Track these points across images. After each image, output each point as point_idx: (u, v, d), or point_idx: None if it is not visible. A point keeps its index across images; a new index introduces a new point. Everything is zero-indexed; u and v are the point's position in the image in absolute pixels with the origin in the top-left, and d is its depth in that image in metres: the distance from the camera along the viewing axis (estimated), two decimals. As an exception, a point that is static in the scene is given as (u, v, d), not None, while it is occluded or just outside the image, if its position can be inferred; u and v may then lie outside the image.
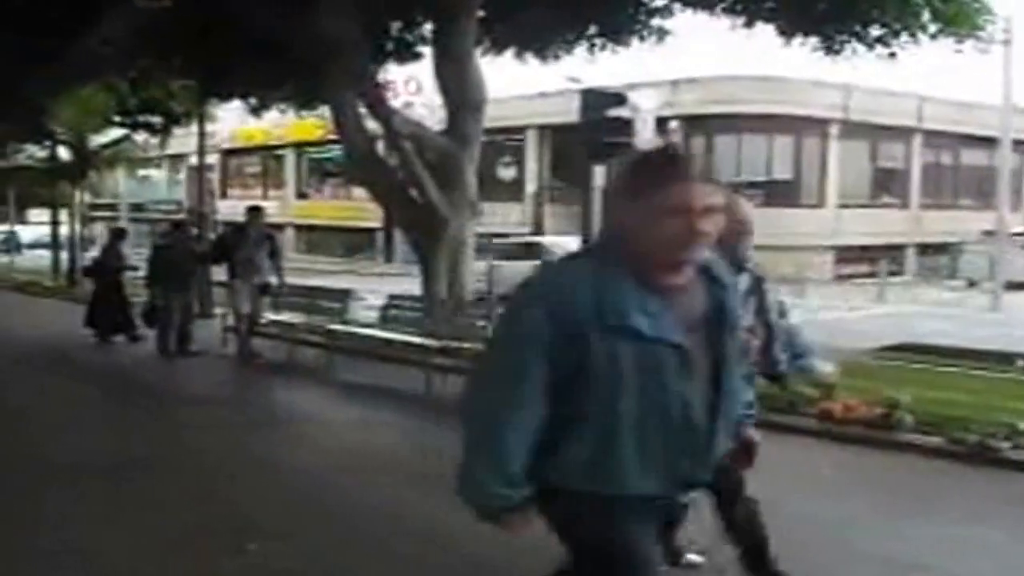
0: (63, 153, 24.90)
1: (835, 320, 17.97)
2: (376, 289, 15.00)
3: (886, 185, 35.77)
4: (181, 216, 23.51)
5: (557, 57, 14.06)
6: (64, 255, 25.83)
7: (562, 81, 24.73)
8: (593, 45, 13.35)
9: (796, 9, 11.79)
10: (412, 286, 13.34)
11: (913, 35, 11.52)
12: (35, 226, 41.19)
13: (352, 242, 42.11)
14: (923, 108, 34.03)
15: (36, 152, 29.24)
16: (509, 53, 14.31)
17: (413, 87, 26.79)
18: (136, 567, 4.97)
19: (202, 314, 14.68)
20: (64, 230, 26.67)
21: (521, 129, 34.89)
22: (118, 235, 15.39)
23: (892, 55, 11.87)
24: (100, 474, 6.79)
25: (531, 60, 14.50)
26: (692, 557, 5.45)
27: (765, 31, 12.46)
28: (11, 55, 14.02)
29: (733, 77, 30.96)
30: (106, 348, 13.84)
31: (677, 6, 12.92)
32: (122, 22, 14.06)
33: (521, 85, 27.24)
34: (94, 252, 18.92)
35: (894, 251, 31.98)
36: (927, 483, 6.93)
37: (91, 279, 15.22)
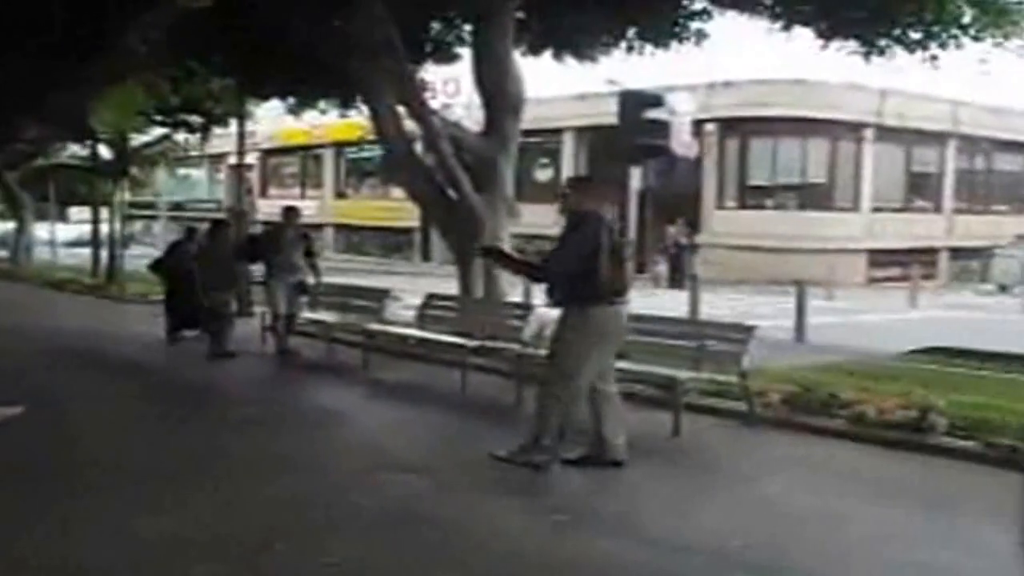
0: (104, 152, 25.20)
1: (867, 323, 17.93)
2: (413, 288, 15.10)
3: (920, 189, 35.59)
4: (221, 215, 23.73)
5: (595, 59, 14.11)
6: (104, 253, 26.11)
7: (598, 83, 24.82)
8: (632, 47, 13.39)
9: (835, 12, 11.78)
10: (449, 286, 13.45)
11: (954, 37, 11.49)
12: (74, 225, 41.76)
13: (390, 242, 42.36)
14: (958, 113, 33.85)
15: (77, 151, 29.70)
16: (546, 54, 14.40)
17: (451, 88, 26.92)
18: (167, 562, 5.04)
19: (240, 313, 14.85)
20: (101, 228, 27.01)
21: (558, 131, 34.93)
22: (190, 234, 15.43)
23: (933, 58, 11.86)
24: (135, 470, 6.91)
25: (568, 61, 14.58)
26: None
27: (802, 34, 12.51)
28: (51, 54, 14.23)
29: (768, 81, 30.89)
30: (148, 345, 14.05)
31: (716, 9, 12.96)
32: (162, 22, 14.26)
33: (557, 86, 27.26)
34: (156, 251, 19.11)
35: (927, 255, 31.80)
36: (960, 487, 6.91)
37: (160, 276, 15.27)
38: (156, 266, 15.30)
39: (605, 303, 6.74)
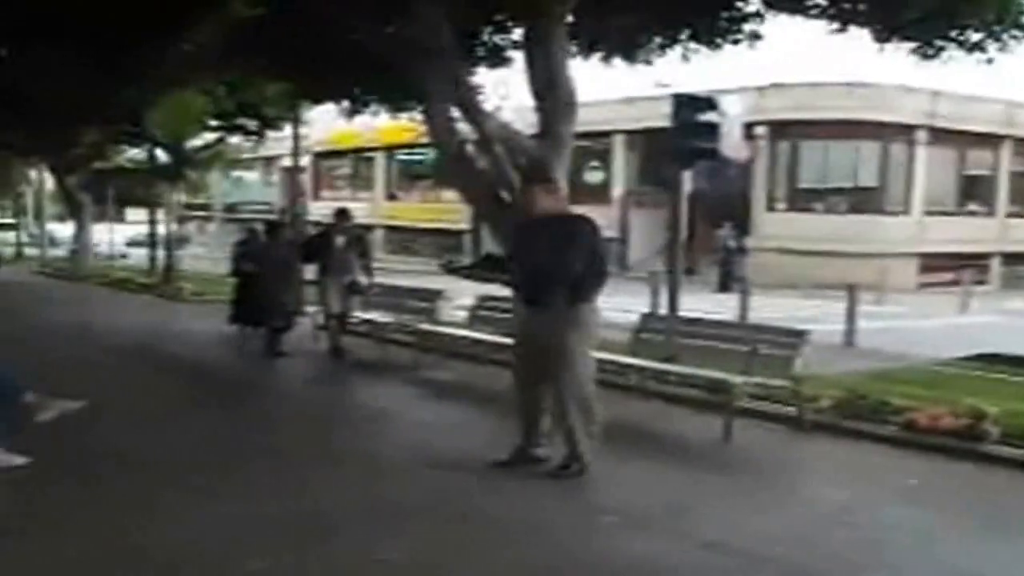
0: (161, 155, 25.64)
1: (917, 328, 17.78)
2: (463, 289, 15.23)
3: (973, 193, 35.12)
4: (274, 217, 24.05)
5: (649, 62, 14.12)
6: (160, 253, 26.55)
7: (646, 86, 24.84)
8: (686, 50, 13.39)
9: (893, 13, 11.70)
10: (499, 287, 13.56)
11: (1015, 38, 11.36)
12: (130, 225, 42.50)
13: (440, 243, 42.63)
14: (1013, 114, 33.38)
15: (134, 154, 30.25)
16: (595, 57, 14.43)
17: (502, 92, 27.04)
18: (224, 551, 5.18)
19: (295, 312, 15.05)
20: (157, 229, 27.49)
21: (608, 133, 34.96)
22: (252, 235, 15.52)
23: (990, 61, 11.75)
24: (191, 463, 7.10)
25: (617, 64, 14.60)
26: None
27: (858, 36, 12.44)
28: (109, 58, 14.52)
29: (819, 83, 30.69)
30: (204, 343, 14.33)
31: (771, 11, 12.91)
32: (217, 27, 14.51)
33: (605, 89, 27.29)
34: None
35: (979, 260, 31.35)
36: (1012, 496, 6.89)
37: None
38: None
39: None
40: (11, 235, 40.98)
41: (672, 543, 5.46)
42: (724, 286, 27.19)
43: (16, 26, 13.23)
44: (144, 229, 30.57)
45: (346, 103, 17.96)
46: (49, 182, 38.90)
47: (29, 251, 38.33)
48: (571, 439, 6.74)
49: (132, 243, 35.67)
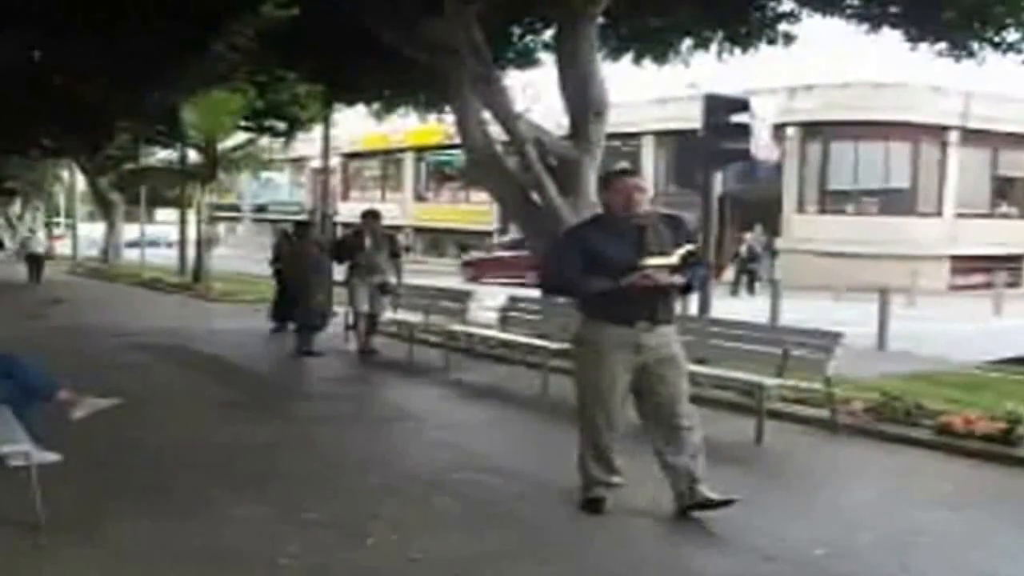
0: (192, 155, 25.83)
1: (949, 331, 17.63)
2: (490, 291, 15.24)
3: (1006, 193, 34.84)
4: (304, 217, 24.18)
5: (686, 63, 14.10)
6: (190, 253, 26.75)
7: (676, 87, 24.77)
8: (720, 50, 13.35)
9: (926, 14, 11.62)
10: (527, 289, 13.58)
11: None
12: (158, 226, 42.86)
13: (469, 244, 42.75)
14: (1047, 115, 33.10)
15: (164, 155, 30.53)
16: (625, 58, 14.42)
17: (531, 93, 27.07)
18: (249, 552, 5.17)
19: (326, 313, 15.11)
20: (188, 230, 27.71)
21: (637, 135, 34.92)
22: (286, 236, 15.76)
23: (1024, 62, 11.65)
24: (222, 461, 7.13)
25: (647, 65, 14.58)
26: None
27: (890, 36, 12.37)
28: (143, 58, 14.62)
29: (850, 84, 30.55)
30: (234, 343, 14.42)
31: (805, 11, 12.87)
32: (249, 29, 14.58)
33: (635, 90, 27.28)
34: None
35: (1012, 262, 31.08)
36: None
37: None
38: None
39: None
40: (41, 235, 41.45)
41: (705, 548, 5.42)
42: (741, 289, 27.08)
43: (50, 25, 13.35)
44: (145, 229, 30.98)
45: (376, 104, 18.05)
46: (80, 183, 39.32)
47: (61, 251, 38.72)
48: (693, 476, 5.86)
49: (129, 244, 35.97)
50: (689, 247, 5.80)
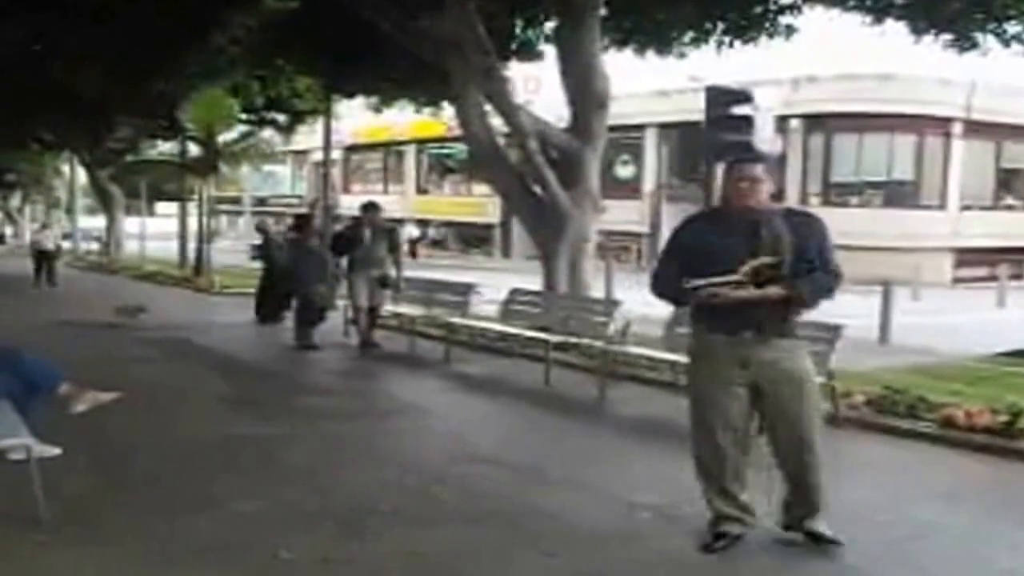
0: (192, 148, 25.80)
1: (953, 324, 17.57)
2: (493, 283, 15.19)
3: (1010, 186, 34.76)
4: (305, 210, 24.15)
5: (684, 55, 14.07)
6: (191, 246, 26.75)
7: (678, 79, 24.69)
8: (721, 43, 13.32)
9: (929, 5, 11.58)
10: (528, 281, 13.53)
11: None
12: (160, 218, 42.82)
13: (470, 237, 42.75)
14: (1051, 106, 33.00)
15: (165, 147, 30.50)
16: (627, 50, 14.38)
17: (532, 86, 27.06)
18: (251, 546, 5.16)
19: (326, 306, 15.08)
20: (188, 223, 27.73)
21: (640, 127, 34.84)
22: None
23: (1029, 52, 11.61)
24: (222, 455, 7.12)
25: (649, 57, 14.54)
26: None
27: (893, 28, 12.33)
28: (143, 51, 14.61)
29: (853, 75, 30.43)
30: (235, 336, 14.41)
31: (806, 4, 12.83)
32: (251, 22, 14.58)
33: (636, 82, 27.20)
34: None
35: (1016, 254, 31.06)
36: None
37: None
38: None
39: None
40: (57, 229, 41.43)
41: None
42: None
43: (51, 19, 13.34)
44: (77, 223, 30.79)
45: (375, 98, 18.03)
46: (81, 177, 39.28)
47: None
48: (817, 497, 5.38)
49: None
50: (766, 260, 4.93)
